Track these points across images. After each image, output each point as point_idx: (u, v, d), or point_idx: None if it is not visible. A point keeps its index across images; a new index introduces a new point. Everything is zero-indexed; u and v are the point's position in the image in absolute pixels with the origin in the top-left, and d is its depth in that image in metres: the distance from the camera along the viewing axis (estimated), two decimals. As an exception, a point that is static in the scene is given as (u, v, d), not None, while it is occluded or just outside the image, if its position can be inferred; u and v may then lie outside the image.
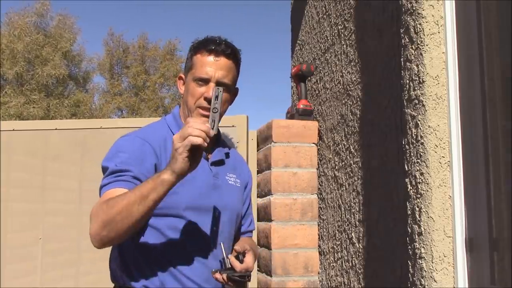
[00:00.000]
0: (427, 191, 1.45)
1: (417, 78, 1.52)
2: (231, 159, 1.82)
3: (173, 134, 1.66)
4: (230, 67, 1.70)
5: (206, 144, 1.40)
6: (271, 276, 2.49)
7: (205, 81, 1.66)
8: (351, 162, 2.18)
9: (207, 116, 1.55)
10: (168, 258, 1.58)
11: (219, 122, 1.57)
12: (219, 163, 1.74)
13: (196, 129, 1.38)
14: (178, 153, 1.39)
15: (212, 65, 1.66)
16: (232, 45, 1.72)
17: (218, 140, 1.79)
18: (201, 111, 1.65)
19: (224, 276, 1.58)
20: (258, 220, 2.73)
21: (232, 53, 1.70)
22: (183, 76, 1.76)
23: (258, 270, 2.71)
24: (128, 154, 1.57)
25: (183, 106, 1.73)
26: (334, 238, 2.35)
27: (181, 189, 1.56)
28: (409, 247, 1.53)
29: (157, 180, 1.41)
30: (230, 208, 1.74)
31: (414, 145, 1.52)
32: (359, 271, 2.04)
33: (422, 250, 1.46)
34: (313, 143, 2.64)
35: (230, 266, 1.60)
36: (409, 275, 1.53)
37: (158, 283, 1.56)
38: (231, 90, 1.72)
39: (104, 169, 1.59)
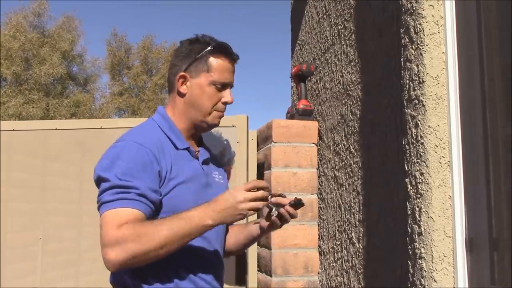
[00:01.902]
0: (427, 191, 1.45)
1: (417, 78, 1.52)
2: (212, 156, 1.84)
3: (167, 137, 1.65)
4: None
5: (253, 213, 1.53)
6: (271, 276, 2.49)
7: (224, 86, 1.71)
8: (351, 162, 2.18)
9: (221, 117, 1.73)
10: (178, 259, 1.57)
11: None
12: (206, 161, 1.76)
13: (260, 203, 1.51)
14: (239, 211, 1.48)
15: (231, 72, 1.73)
16: None
17: (201, 140, 1.81)
18: (219, 113, 1.72)
19: (283, 210, 1.60)
20: (258, 220, 2.73)
21: None
22: (187, 75, 1.70)
23: (258, 270, 2.71)
24: (127, 163, 1.52)
25: (186, 109, 1.70)
26: (334, 238, 2.35)
27: (183, 191, 1.58)
28: (409, 247, 1.53)
29: (201, 224, 1.47)
30: None
31: (414, 145, 1.52)
32: (359, 271, 2.04)
33: (422, 250, 1.46)
34: (313, 143, 2.64)
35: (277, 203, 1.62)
36: (409, 275, 1.53)
37: (172, 285, 1.56)
38: None
39: (102, 180, 1.52)
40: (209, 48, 1.70)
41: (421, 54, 1.51)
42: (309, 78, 2.82)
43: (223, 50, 1.72)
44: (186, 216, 1.47)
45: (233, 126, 2.76)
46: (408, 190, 1.55)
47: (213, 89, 1.70)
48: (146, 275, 1.55)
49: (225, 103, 1.72)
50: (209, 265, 1.65)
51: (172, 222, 1.46)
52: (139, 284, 1.55)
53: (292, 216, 1.64)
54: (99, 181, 1.55)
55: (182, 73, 1.70)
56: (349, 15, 2.28)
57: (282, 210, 1.61)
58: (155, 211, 1.54)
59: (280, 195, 1.65)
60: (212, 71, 1.69)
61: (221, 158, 2.71)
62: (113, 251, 1.41)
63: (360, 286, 2.03)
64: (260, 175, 2.76)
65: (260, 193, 1.50)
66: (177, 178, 1.59)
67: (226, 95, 1.71)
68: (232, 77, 1.74)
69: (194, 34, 1.78)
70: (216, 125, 1.74)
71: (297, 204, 1.62)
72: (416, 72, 1.53)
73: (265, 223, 1.68)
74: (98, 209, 1.52)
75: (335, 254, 2.32)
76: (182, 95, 1.71)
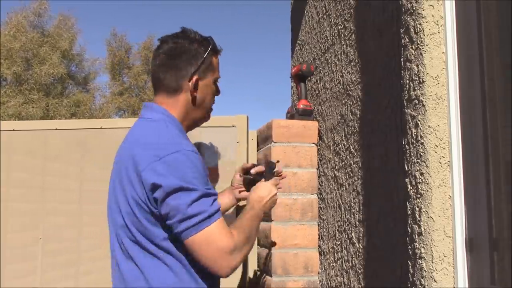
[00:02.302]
0: (427, 191, 1.45)
1: (417, 78, 1.52)
2: None
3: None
4: None
5: None
6: (271, 276, 2.49)
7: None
8: (351, 162, 2.18)
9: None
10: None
11: None
12: None
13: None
14: (275, 202, 1.86)
15: None
16: None
17: None
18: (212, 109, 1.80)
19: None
20: (258, 220, 2.73)
21: None
22: (198, 78, 1.68)
23: (258, 270, 2.71)
24: (195, 174, 1.51)
25: (193, 110, 1.69)
26: (334, 238, 2.35)
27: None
28: (409, 247, 1.53)
29: (260, 219, 1.74)
30: None
31: (414, 145, 1.52)
32: (359, 271, 2.04)
33: (422, 250, 1.46)
34: (313, 143, 2.64)
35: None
36: (409, 275, 1.53)
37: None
38: None
39: (184, 189, 1.48)
40: (210, 47, 1.71)
41: (421, 54, 1.51)
42: (309, 78, 2.82)
43: (217, 47, 1.76)
44: (253, 214, 1.70)
45: (233, 126, 2.76)
46: (408, 190, 1.55)
47: (214, 87, 1.76)
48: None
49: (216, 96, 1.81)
50: None
51: (253, 221, 1.68)
52: None
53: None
54: (174, 190, 1.48)
55: (196, 77, 1.67)
56: (349, 15, 2.28)
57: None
58: None
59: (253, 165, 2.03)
60: (216, 70, 1.74)
61: (218, 159, 2.72)
62: (235, 257, 1.53)
63: (360, 286, 2.03)
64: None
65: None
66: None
67: (219, 89, 1.80)
68: None
69: (180, 28, 1.74)
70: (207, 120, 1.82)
71: (270, 166, 1.97)
72: (416, 72, 1.53)
73: (243, 193, 2.04)
74: (200, 222, 1.48)
75: (335, 254, 2.32)
76: (193, 97, 1.68)
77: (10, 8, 24.79)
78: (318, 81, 2.72)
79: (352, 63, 2.22)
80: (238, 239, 1.53)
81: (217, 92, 1.79)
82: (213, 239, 1.48)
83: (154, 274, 1.53)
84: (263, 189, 1.80)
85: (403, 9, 1.62)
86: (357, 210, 2.10)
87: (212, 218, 1.50)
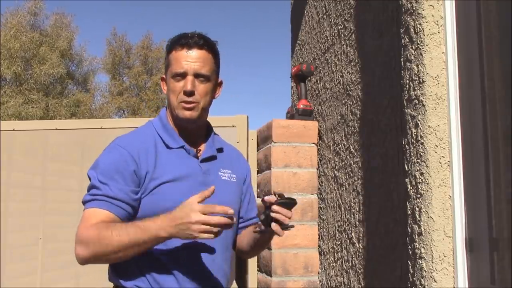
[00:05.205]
0: (427, 191, 1.45)
1: (417, 78, 1.52)
2: (225, 154, 1.79)
3: (161, 138, 1.66)
4: (205, 57, 1.68)
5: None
6: (271, 276, 2.49)
7: (182, 76, 1.66)
8: (351, 162, 2.18)
9: (189, 109, 1.64)
10: (161, 257, 1.57)
11: None
12: (210, 159, 1.73)
13: (214, 233, 1.44)
14: (190, 231, 1.43)
15: (186, 58, 1.66)
16: (205, 36, 1.71)
17: (208, 136, 1.78)
18: (183, 105, 1.66)
19: (273, 212, 1.52)
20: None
21: (206, 44, 1.69)
22: (164, 77, 1.75)
23: (258, 270, 2.71)
24: (105, 165, 1.60)
25: (168, 106, 1.73)
26: (334, 238, 2.35)
27: (168, 190, 1.58)
28: (409, 247, 1.53)
29: (155, 235, 1.47)
30: (224, 204, 1.70)
31: (414, 145, 1.52)
32: (359, 271, 2.04)
33: (422, 250, 1.46)
34: (313, 143, 2.64)
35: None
36: (409, 275, 1.53)
37: (154, 283, 1.56)
38: (210, 80, 1.69)
39: (88, 178, 1.63)
40: (167, 45, 1.72)
41: (421, 54, 1.51)
42: (309, 78, 2.82)
43: (175, 40, 1.70)
44: (144, 226, 1.49)
45: (233, 126, 2.76)
46: (408, 190, 1.55)
47: (173, 82, 1.67)
48: (124, 270, 1.58)
49: (184, 92, 1.65)
50: (197, 265, 1.61)
51: (130, 229, 1.50)
52: (120, 281, 1.58)
53: (285, 217, 1.58)
54: (89, 179, 1.64)
55: (162, 76, 1.78)
56: (349, 15, 2.28)
57: (272, 213, 1.54)
58: (134, 210, 1.58)
59: (277, 195, 1.57)
60: (170, 65, 1.69)
61: None
62: (79, 248, 1.52)
63: (360, 286, 2.03)
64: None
65: (216, 219, 1.41)
66: (162, 177, 1.59)
67: (185, 84, 1.65)
68: (190, 63, 1.65)
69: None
70: (187, 118, 1.67)
71: (287, 203, 1.56)
72: (416, 72, 1.53)
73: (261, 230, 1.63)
74: (86, 202, 1.61)
75: (335, 254, 2.32)
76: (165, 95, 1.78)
77: (3, 8, 24.70)
78: (318, 81, 2.72)
79: (352, 63, 2.22)
80: (89, 235, 1.50)
81: (176, 85, 1.66)
82: (79, 223, 1.56)
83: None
84: (183, 211, 1.44)
85: (403, 9, 1.62)
86: (357, 210, 2.10)
87: (86, 204, 1.57)
